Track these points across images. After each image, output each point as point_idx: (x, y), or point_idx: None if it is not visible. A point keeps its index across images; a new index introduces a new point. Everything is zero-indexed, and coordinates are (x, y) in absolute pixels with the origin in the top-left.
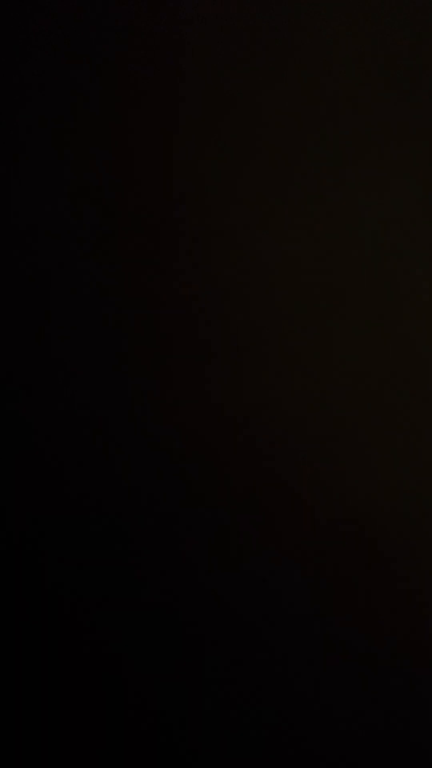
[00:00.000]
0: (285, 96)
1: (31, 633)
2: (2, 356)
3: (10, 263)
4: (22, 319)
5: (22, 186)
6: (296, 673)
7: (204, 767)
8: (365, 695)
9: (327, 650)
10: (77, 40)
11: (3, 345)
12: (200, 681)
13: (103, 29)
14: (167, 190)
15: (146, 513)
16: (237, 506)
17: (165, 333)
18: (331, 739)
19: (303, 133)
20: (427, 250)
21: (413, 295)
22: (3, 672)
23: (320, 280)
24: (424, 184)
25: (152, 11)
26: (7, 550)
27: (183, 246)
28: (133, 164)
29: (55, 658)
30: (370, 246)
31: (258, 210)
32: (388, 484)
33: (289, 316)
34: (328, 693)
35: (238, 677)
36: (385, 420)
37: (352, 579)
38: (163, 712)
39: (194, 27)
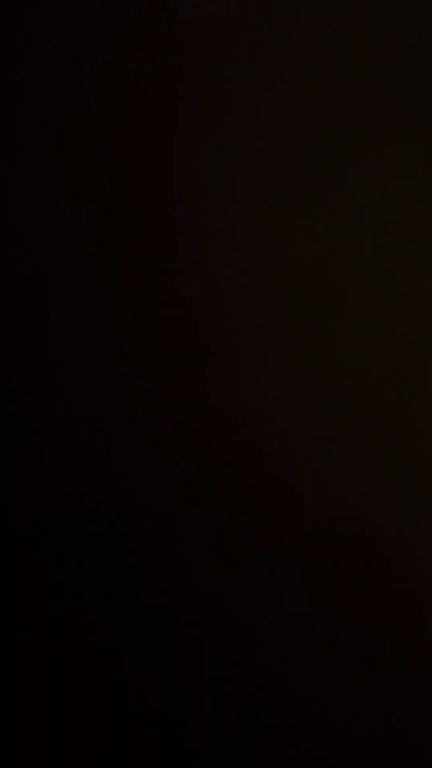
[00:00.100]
0: (285, 96)
1: (31, 633)
2: (2, 356)
3: (10, 263)
4: (22, 319)
5: (22, 186)
6: (296, 673)
7: (204, 767)
8: (365, 695)
9: (327, 650)
10: (77, 40)
11: (3, 345)
12: (200, 681)
13: (103, 29)
14: (167, 190)
15: (146, 513)
16: (237, 506)
17: (165, 333)
18: (331, 739)
19: (303, 133)
20: (427, 250)
21: (413, 295)
22: (3, 672)
23: (320, 280)
24: (424, 184)
25: (152, 11)
26: (7, 550)
27: (183, 246)
28: (133, 164)
29: (55, 658)
30: (370, 246)
31: (258, 210)
32: (388, 484)
33: (289, 316)
34: (328, 693)
35: (238, 677)
36: (385, 420)
37: (352, 579)
38: (163, 712)
39: (194, 27)
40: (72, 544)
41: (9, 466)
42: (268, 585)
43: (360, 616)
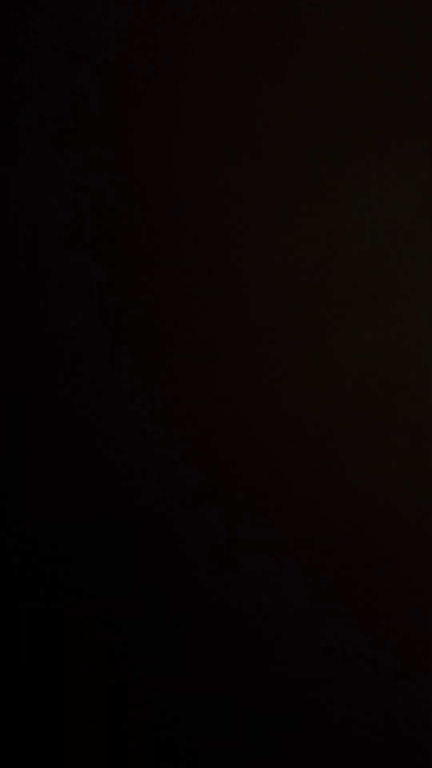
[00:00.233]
0: (285, 96)
1: (31, 633)
2: (2, 356)
3: (10, 263)
4: (22, 318)
5: (22, 186)
6: (296, 672)
7: (204, 767)
8: (365, 695)
9: (327, 650)
10: (77, 40)
11: (3, 345)
12: (200, 681)
13: (103, 29)
14: (167, 190)
15: (146, 512)
16: (237, 506)
17: (165, 333)
18: (331, 739)
19: (303, 133)
20: (427, 250)
21: (413, 295)
22: (3, 672)
23: (320, 280)
24: (424, 184)
25: (152, 11)
26: (7, 550)
27: (183, 246)
28: (133, 164)
29: (56, 658)
30: (371, 246)
31: (258, 210)
32: (388, 484)
33: (289, 316)
34: (327, 692)
35: (238, 677)
36: (385, 420)
37: (352, 579)
38: (162, 712)
39: (194, 27)
40: (72, 544)
41: (9, 466)
42: (268, 584)
43: (360, 616)
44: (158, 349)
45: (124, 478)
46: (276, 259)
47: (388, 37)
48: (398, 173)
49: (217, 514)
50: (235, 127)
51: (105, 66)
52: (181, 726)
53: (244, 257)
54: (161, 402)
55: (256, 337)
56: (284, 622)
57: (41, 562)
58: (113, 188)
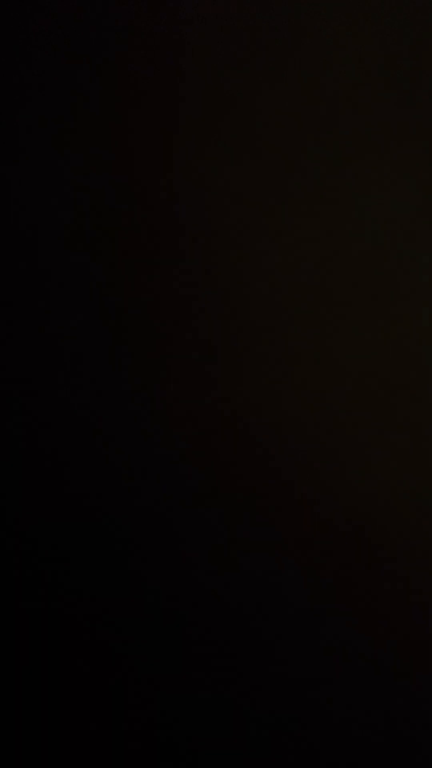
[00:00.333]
0: (285, 96)
1: (31, 633)
2: (2, 356)
3: (10, 263)
4: (22, 318)
5: (22, 186)
6: (296, 672)
7: (204, 767)
8: (365, 695)
9: (327, 650)
10: (77, 40)
11: (3, 345)
12: (200, 681)
13: (103, 29)
14: (167, 190)
15: (146, 512)
16: (237, 506)
17: (165, 333)
18: (331, 739)
19: (303, 133)
20: (428, 250)
21: (413, 295)
22: (3, 672)
23: (320, 280)
24: (424, 184)
25: (152, 11)
26: (7, 550)
27: (183, 246)
28: (133, 164)
29: (56, 658)
30: (370, 246)
31: (258, 210)
32: (388, 484)
33: (289, 316)
34: (327, 693)
35: (238, 677)
36: (385, 420)
37: (352, 579)
38: (162, 712)
39: (194, 27)
40: (72, 544)
41: (9, 466)
42: (268, 584)
43: (360, 616)
44: (158, 349)
45: (124, 478)
46: (276, 259)
47: (388, 37)
48: (398, 173)
49: (217, 514)
50: (235, 127)
51: (105, 66)
52: (181, 726)
53: (244, 257)
54: (161, 402)
55: (256, 337)
56: (284, 622)
57: (41, 561)
58: (113, 188)
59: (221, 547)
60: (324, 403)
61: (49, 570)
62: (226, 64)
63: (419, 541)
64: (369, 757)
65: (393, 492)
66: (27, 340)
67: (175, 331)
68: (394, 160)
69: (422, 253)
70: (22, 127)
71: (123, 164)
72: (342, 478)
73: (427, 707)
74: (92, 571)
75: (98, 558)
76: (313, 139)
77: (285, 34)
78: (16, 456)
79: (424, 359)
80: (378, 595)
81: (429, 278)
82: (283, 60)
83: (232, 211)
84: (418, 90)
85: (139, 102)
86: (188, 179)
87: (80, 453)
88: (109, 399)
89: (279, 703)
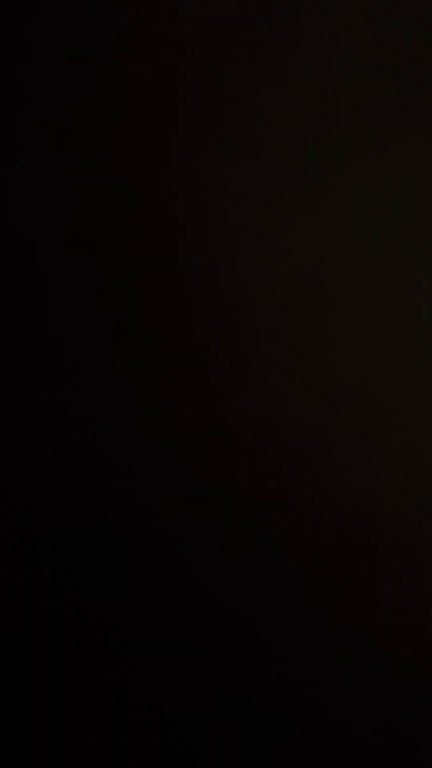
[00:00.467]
0: (285, 96)
1: (31, 633)
2: (2, 356)
3: (10, 263)
4: (22, 318)
5: (22, 186)
6: (296, 673)
7: (204, 767)
8: (365, 695)
9: (327, 650)
10: (77, 40)
11: (3, 345)
12: (200, 681)
13: (103, 29)
14: (167, 190)
15: (146, 512)
16: (237, 506)
17: (165, 333)
18: (331, 739)
19: (303, 133)
20: (428, 250)
21: (413, 295)
22: (3, 673)
23: (320, 279)
24: (424, 184)
25: (152, 11)
26: (7, 550)
27: (183, 246)
28: (133, 164)
29: (56, 658)
30: (370, 246)
31: (258, 210)
32: (388, 484)
33: (289, 316)
34: (327, 693)
35: (238, 677)
36: (385, 420)
37: (352, 579)
38: (162, 712)
39: (194, 27)
40: (72, 544)
41: (9, 466)
42: (268, 584)
43: (360, 616)
44: (158, 349)
45: (124, 478)
46: (276, 259)
47: (388, 37)
48: (398, 173)
49: (216, 514)
50: (235, 127)
51: (105, 66)
52: (181, 726)
53: (244, 257)
54: (161, 402)
55: (256, 337)
56: (284, 622)
57: (41, 562)
58: (113, 188)
59: (221, 547)
60: (324, 403)
61: (49, 570)
62: (226, 64)
63: (419, 541)
64: (369, 757)
65: (393, 492)
66: (27, 340)
67: (175, 331)
68: (394, 160)
69: (422, 253)
70: (22, 127)
71: (123, 164)
72: (342, 478)
73: (427, 707)
74: (92, 571)
75: (98, 558)
76: (313, 139)
77: (285, 34)
78: (16, 456)
79: (424, 359)
80: (378, 595)
81: (429, 278)
82: (283, 60)
83: (232, 211)
84: (418, 90)
85: (139, 102)
86: (188, 179)
87: (80, 453)
88: (109, 399)
89: (279, 703)
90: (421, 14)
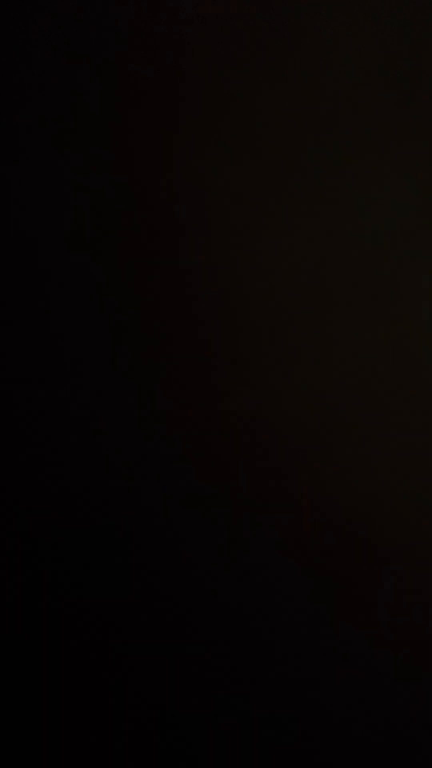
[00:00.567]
0: (285, 96)
1: (31, 633)
2: (2, 356)
3: (10, 263)
4: (22, 318)
5: (22, 186)
6: (296, 673)
7: (204, 767)
8: (365, 695)
9: (327, 650)
10: (77, 40)
11: (3, 345)
12: (200, 681)
13: (103, 29)
14: (167, 190)
15: (146, 512)
16: (237, 506)
17: (165, 333)
18: (331, 739)
19: (303, 133)
20: (428, 250)
21: (413, 295)
22: (3, 672)
23: (320, 279)
24: (424, 184)
25: (152, 11)
26: (8, 551)
27: (183, 245)
28: (133, 164)
29: (56, 658)
30: (370, 246)
31: (258, 210)
32: (388, 484)
33: (289, 316)
34: (327, 693)
35: (238, 677)
36: (385, 420)
37: (352, 579)
38: (162, 712)
39: (194, 27)
40: (72, 545)
41: (9, 466)
42: (268, 584)
43: (360, 616)
44: (158, 349)
45: (124, 478)
46: (276, 259)
47: (388, 37)
48: (398, 173)
49: (216, 514)
50: (235, 127)
51: (105, 66)
52: (181, 726)
53: (244, 257)
54: (161, 402)
55: (256, 337)
56: (284, 622)
57: (41, 561)
58: (113, 188)
59: (221, 547)
60: (324, 403)
61: (49, 570)
62: (226, 64)
63: (419, 541)
64: (369, 757)
65: (393, 492)
66: (27, 340)
67: (175, 331)
68: (394, 160)
69: (422, 253)
70: (22, 127)
71: (123, 164)
72: (342, 478)
73: (427, 707)
74: (92, 571)
75: (98, 558)
76: (313, 139)
77: (285, 34)
78: (15, 456)
79: (424, 359)
80: (378, 595)
81: (429, 278)
82: (283, 60)
83: (232, 211)
84: (418, 90)
85: (139, 102)
86: (188, 179)
87: (80, 453)
88: (109, 399)
89: (279, 703)
90: (421, 14)
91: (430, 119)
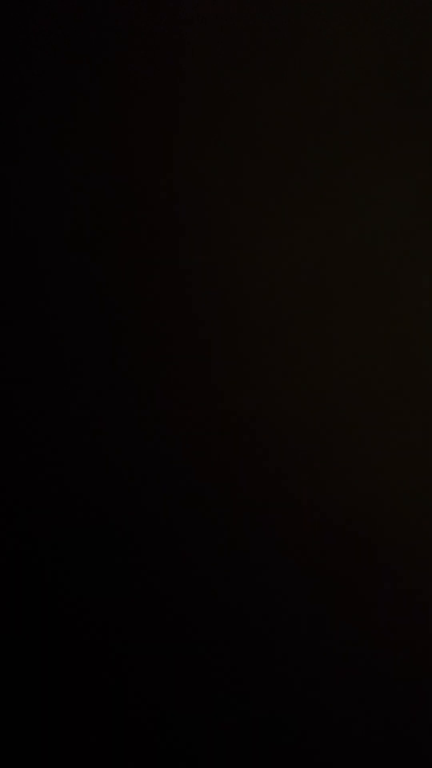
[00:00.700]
0: (285, 96)
1: (31, 633)
2: (2, 356)
3: (10, 263)
4: (22, 318)
5: (22, 186)
6: (296, 673)
7: (204, 767)
8: (365, 695)
9: (327, 650)
10: (77, 40)
11: (3, 345)
12: (200, 681)
13: (103, 29)
14: (167, 190)
15: (146, 513)
16: (237, 506)
17: (165, 333)
18: (331, 739)
19: (303, 133)
20: (428, 250)
21: (413, 295)
22: (3, 672)
23: (320, 279)
24: (424, 184)
25: (152, 11)
26: (8, 551)
27: (183, 245)
28: (133, 164)
29: (56, 658)
30: (370, 246)
31: (258, 210)
32: (388, 484)
33: (289, 316)
34: (328, 693)
35: (238, 677)
36: (385, 420)
37: (352, 579)
38: (162, 712)
39: (194, 27)
40: (72, 545)
41: (9, 466)
42: (268, 585)
43: (360, 616)
44: (158, 349)
45: (123, 478)
46: (276, 259)
47: (388, 37)
48: (398, 173)
49: (216, 514)
50: (235, 127)
51: (105, 66)
52: (181, 726)
53: (244, 257)
54: (161, 402)
55: (256, 337)
56: (284, 622)
57: (41, 561)
58: (113, 188)
59: (221, 547)
60: (324, 403)
61: (49, 570)
62: (226, 64)
63: (419, 541)
64: (369, 757)
65: (393, 492)
66: (27, 340)
67: (175, 331)
68: (394, 160)
69: (422, 253)
70: (22, 127)
71: (123, 164)
72: (342, 478)
73: (427, 707)
74: (92, 571)
75: (98, 558)
76: (313, 139)
77: (285, 34)
78: (16, 456)
79: (424, 359)
80: (378, 595)
81: (429, 278)
82: (283, 60)
83: (232, 211)
84: (418, 90)
85: (139, 102)
86: (188, 179)
87: (80, 453)
88: (109, 399)
89: (279, 703)
90: (421, 14)
91: (430, 119)
